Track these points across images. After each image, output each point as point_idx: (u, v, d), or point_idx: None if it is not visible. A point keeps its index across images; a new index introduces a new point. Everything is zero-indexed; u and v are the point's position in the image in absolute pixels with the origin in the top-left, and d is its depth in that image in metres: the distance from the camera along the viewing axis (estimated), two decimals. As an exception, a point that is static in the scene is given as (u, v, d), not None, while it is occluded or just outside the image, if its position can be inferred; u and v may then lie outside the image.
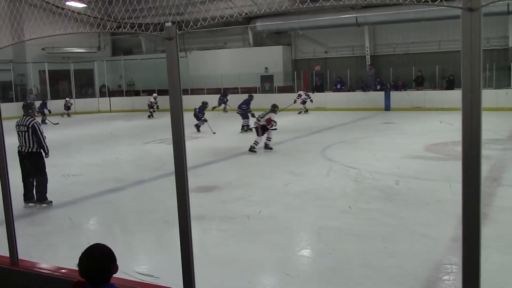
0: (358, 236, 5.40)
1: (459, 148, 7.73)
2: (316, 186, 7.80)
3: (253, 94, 16.95)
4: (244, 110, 15.63)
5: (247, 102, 15.92)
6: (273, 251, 5.11)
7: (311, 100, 21.43)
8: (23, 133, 6.92)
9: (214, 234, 5.81)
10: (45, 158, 7.09)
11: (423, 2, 2.25)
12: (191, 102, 16.65)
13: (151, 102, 22.51)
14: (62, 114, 23.72)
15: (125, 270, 3.84)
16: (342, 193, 7.36)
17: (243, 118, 15.61)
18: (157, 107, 22.43)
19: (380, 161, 9.81)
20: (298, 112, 21.01)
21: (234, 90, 24.93)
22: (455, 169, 8.51)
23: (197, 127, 15.78)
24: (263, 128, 11.40)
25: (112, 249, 2.24)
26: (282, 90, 25.16)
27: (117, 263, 2.21)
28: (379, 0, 3.14)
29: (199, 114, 15.75)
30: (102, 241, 2.34)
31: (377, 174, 8.48)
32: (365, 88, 23.32)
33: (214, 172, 9.53)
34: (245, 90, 24.40)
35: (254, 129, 12.10)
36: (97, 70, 28.44)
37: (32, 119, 7.04)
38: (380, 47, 25.03)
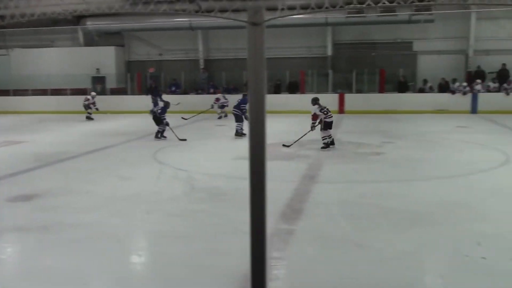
0: (184, 238, 5.45)
1: (284, 149, 8.27)
2: (145, 190, 7.70)
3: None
4: (243, 112, 13.61)
5: (246, 102, 13.83)
6: (96, 259, 4.91)
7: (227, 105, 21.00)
8: None
9: (31, 245, 5.39)
10: None
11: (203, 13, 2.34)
12: (14, 104, 15.35)
13: (88, 100, 19.98)
14: None
15: None
16: (171, 196, 7.37)
17: (238, 121, 13.74)
18: (96, 108, 19.91)
19: (211, 163, 10.05)
20: (218, 117, 20.38)
21: (63, 92, 23.55)
22: (280, 168, 9.07)
23: (159, 133, 13.42)
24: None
25: None
26: (115, 92, 24.40)
27: None
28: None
29: (162, 115, 13.39)
30: None
31: (207, 176, 8.67)
32: (199, 91, 23.71)
33: (35, 179, 8.84)
34: (75, 91, 23.18)
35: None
36: None
37: None
38: (213, 52, 25.70)
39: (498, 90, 20.93)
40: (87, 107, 19.96)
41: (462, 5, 19.85)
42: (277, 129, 14.56)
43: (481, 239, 5.10)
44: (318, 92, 23.19)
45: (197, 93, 23.55)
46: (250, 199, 2.23)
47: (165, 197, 7.29)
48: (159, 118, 13.37)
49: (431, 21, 22.19)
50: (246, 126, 14.11)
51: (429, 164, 9.62)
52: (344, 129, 15.74)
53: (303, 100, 20.03)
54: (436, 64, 23.36)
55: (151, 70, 25.68)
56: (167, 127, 13.28)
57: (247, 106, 3.14)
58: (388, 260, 4.67)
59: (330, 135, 11.34)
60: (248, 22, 1.93)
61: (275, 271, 4.50)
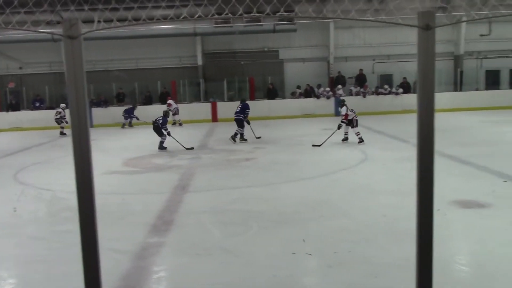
0: (46, 262, 5.11)
1: (155, 160, 8.12)
2: (3, 213, 7.11)
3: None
4: (245, 117, 14.10)
5: (248, 107, 14.38)
6: None
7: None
8: None
9: None
10: None
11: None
12: None
13: (60, 114, 18.03)
14: None
15: None
16: (34, 218, 6.89)
17: (241, 126, 14.09)
18: (66, 122, 17.92)
19: (78, 180, 9.55)
20: (171, 123, 18.86)
21: None
22: (151, 180, 8.90)
23: (162, 144, 12.99)
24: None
25: None
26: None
27: None
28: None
29: (163, 126, 12.91)
30: None
31: (73, 194, 8.21)
32: (67, 105, 22.48)
33: None
34: None
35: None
36: None
37: None
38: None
39: (358, 93, 22.60)
40: (59, 121, 18.50)
41: (317, 18, 21.21)
42: (148, 141, 14.32)
43: (345, 233, 5.45)
44: (190, 102, 23.32)
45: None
46: (79, 217, 2.16)
47: (27, 219, 6.79)
48: (160, 129, 12.87)
49: (294, 30, 23.39)
50: (247, 131, 14.11)
51: (296, 166, 10.07)
52: (217, 137, 15.94)
53: (142, 110, 19.98)
54: (302, 71, 24.63)
55: (11, 85, 23.91)
56: (170, 137, 12.85)
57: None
58: (257, 262, 4.78)
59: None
60: (64, 36, 1.87)
61: (149, 285, 4.39)
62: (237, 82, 24.02)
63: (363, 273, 4.34)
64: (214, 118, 21.97)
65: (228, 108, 22.06)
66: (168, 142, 12.80)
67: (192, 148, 13.09)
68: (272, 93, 23.01)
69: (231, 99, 23.17)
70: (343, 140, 13.14)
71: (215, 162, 11.02)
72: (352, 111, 12.93)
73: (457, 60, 24.76)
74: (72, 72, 1.96)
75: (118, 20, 14.73)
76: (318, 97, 22.55)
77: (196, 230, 5.96)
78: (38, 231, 6.24)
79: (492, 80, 24.72)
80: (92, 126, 21.41)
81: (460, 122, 17.20)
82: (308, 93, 22.97)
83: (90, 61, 24.10)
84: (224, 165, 10.61)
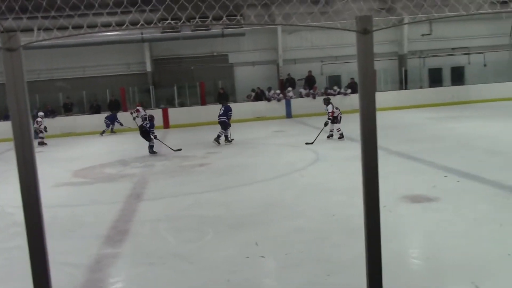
0: (-6, 281, 4.94)
1: (107, 170, 7.97)
2: None
3: None
4: (229, 119, 14.38)
5: (231, 109, 14.41)
6: None
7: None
8: None
9: None
10: None
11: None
12: None
13: (38, 123, 17.21)
14: None
15: None
16: (-22, 236, 6.64)
17: (225, 128, 14.30)
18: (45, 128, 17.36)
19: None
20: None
21: None
22: (102, 190, 8.74)
23: (152, 148, 13.24)
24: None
25: None
26: None
27: None
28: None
29: (151, 129, 13.10)
30: None
31: (21, 209, 7.94)
32: (5, 117, 21.60)
33: None
34: None
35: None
36: None
37: None
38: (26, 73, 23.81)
39: (308, 95, 22.94)
40: (38, 131, 17.70)
41: (260, 24, 21.43)
42: (98, 150, 14.06)
43: (299, 233, 5.53)
44: (157, 107, 22.98)
45: (5, 120, 21.51)
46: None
47: (-29, 238, 6.53)
48: (148, 133, 13.10)
49: (243, 34, 23.50)
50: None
51: (250, 169, 10.13)
52: (170, 143, 15.79)
53: (128, 116, 19.65)
54: (252, 74, 24.78)
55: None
56: (157, 140, 13.28)
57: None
58: (211, 268, 4.78)
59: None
60: (3, 48, 1.84)
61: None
62: (187, 87, 23.90)
63: (317, 272, 4.42)
64: (166, 125, 21.76)
65: (180, 114, 21.96)
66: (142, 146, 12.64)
67: (180, 150, 13.40)
68: (223, 97, 23.03)
69: (182, 105, 23.03)
70: (328, 137, 13.68)
71: (168, 169, 10.93)
72: (337, 109, 13.57)
73: (401, 59, 25.55)
74: (13, 85, 1.93)
75: (60, 28, 14.37)
76: (269, 100, 22.74)
77: (151, 238, 5.90)
78: (-16, 249, 6.00)
79: (435, 78, 25.69)
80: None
81: (406, 120, 17.76)
82: (259, 96, 23.12)
83: (34, 71, 23.41)
84: (178, 171, 10.53)
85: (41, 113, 19.01)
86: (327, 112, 13.62)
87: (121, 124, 20.29)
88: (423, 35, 25.63)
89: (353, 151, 10.98)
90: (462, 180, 7.62)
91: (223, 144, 14.18)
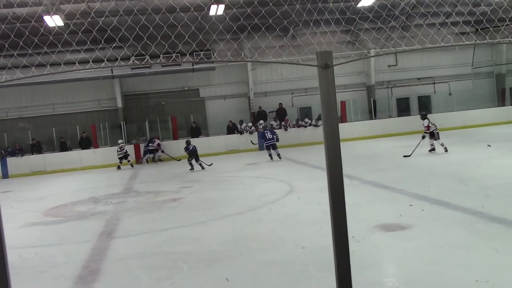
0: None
1: (78, 208, 7.85)
2: None
3: None
4: (277, 140, 17.34)
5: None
6: None
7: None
8: None
9: None
10: None
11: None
12: None
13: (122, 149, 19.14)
14: None
15: None
16: None
17: (274, 148, 17.01)
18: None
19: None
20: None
21: None
22: (73, 229, 8.55)
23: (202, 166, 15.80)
24: None
25: None
26: None
27: None
28: None
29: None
30: None
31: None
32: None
33: None
34: None
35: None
36: None
37: None
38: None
39: (279, 127, 23.13)
40: (126, 156, 19.40)
41: (223, 62, 21.74)
42: (69, 188, 13.83)
43: (274, 266, 5.50)
44: (112, 145, 22.80)
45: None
46: None
47: None
48: (196, 153, 16.01)
49: (213, 69, 23.76)
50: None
51: (224, 203, 10.09)
52: (142, 179, 15.65)
53: (97, 153, 19.46)
54: (223, 107, 24.93)
55: None
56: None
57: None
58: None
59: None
60: None
61: None
62: (159, 122, 23.86)
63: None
64: (138, 160, 21.58)
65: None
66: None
67: (211, 164, 16.17)
68: (196, 131, 23.03)
69: (143, 141, 22.96)
70: (430, 150, 14.86)
71: (141, 205, 10.80)
72: (433, 124, 14.66)
73: (370, 90, 26.13)
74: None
75: (26, 67, 14.23)
76: (241, 132, 22.84)
77: (124, 277, 5.79)
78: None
79: (403, 107, 26.29)
80: (7, 177, 20.36)
81: (376, 149, 18.05)
82: (231, 129, 23.22)
83: (2, 109, 23.10)
84: (150, 207, 10.41)
85: (120, 141, 20.76)
86: (423, 126, 14.85)
87: (162, 151, 21.60)
88: (389, 66, 26.33)
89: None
90: (432, 207, 7.74)
91: (195, 176, 14.18)
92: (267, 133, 17.54)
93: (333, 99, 2.07)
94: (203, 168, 16.10)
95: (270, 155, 17.28)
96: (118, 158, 19.59)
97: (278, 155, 17.30)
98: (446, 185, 9.60)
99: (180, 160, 19.91)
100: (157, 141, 21.47)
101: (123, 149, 19.64)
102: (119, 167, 19.45)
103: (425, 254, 5.49)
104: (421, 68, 26.52)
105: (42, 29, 12.02)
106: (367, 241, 6.04)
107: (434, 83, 26.69)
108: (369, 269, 4.98)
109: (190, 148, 16.37)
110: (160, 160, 21.35)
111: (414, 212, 7.43)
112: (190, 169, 16.25)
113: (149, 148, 21.25)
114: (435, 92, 26.64)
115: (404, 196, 8.82)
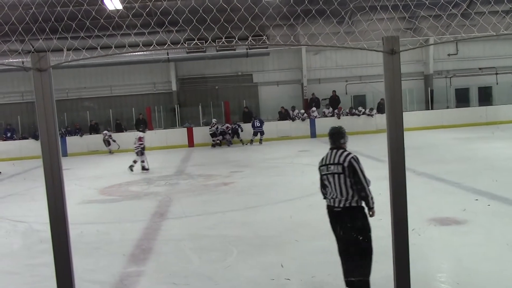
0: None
1: (133, 188, 8.03)
2: (-25, 249, 6.93)
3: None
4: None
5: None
6: None
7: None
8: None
9: None
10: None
11: None
12: None
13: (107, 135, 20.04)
14: None
15: None
16: (8, 252, 6.73)
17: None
18: None
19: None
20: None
21: None
22: (128, 208, 8.78)
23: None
24: None
25: None
26: None
27: None
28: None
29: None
30: None
31: (48, 225, 8.06)
32: (34, 136, 21.96)
33: None
34: None
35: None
36: None
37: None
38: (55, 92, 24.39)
39: (332, 115, 22.84)
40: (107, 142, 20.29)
41: (285, 45, 21.53)
42: (124, 168, 14.20)
43: (325, 255, 5.44)
44: (166, 127, 23.23)
45: (37, 139, 21.96)
46: None
47: (1, 254, 6.63)
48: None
49: (267, 54, 23.65)
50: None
51: (274, 189, 10.08)
52: (194, 162, 15.88)
53: (152, 136, 19.89)
54: (276, 93, 24.82)
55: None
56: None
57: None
58: (237, 288, 4.75)
59: None
60: (33, 68, 1.88)
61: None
62: (212, 106, 24.07)
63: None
64: (191, 143, 21.91)
65: (204, 133, 22.07)
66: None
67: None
68: (248, 116, 23.09)
69: (207, 124, 23.19)
70: None
71: (193, 187, 10.96)
72: None
73: (427, 79, 25.30)
74: (42, 104, 1.97)
75: (89, 49, 14.61)
76: (293, 119, 22.72)
77: (175, 257, 5.90)
78: (12, 265, 6.09)
79: (462, 98, 25.32)
80: (66, 155, 21.14)
81: (432, 140, 17.51)
82: (284, 115, 23.13)
83: (63, 90, 23.92)
84: (201, 190, 10.55)
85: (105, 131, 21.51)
86: None
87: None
88: (449, 54, 25.39)
89: (379, 171, 10.79)
90: (492, 203, 7.43)
91: (246, 161, 14.23)
92: (256, 121, 20.98)
93: (399, 86, 1.99)
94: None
95: (251, 140, 20.75)
96: (210, 134, 21.20)
97: (261, 140, 20.66)
98: (506, 179, 9.19)
99: (246, 144, 20.91)
100: (226, 124, 21.76)
101: (215, 126, 21.17)
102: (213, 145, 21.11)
103: (480, 251, 5.29)
104: (483, 58, 25.40)
105: (107, 11, 12.33)
106: (421, 235, 5.87)
107: (496, 73, 25.51)
108: (421, 262, 4.84)
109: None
110: (230, 143, 21.48)
111: (466, 208, 7.15)
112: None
113: (221, 130, 21.50)
114: (497, 83, 25.47)
115: (459, 190, 8.52)
